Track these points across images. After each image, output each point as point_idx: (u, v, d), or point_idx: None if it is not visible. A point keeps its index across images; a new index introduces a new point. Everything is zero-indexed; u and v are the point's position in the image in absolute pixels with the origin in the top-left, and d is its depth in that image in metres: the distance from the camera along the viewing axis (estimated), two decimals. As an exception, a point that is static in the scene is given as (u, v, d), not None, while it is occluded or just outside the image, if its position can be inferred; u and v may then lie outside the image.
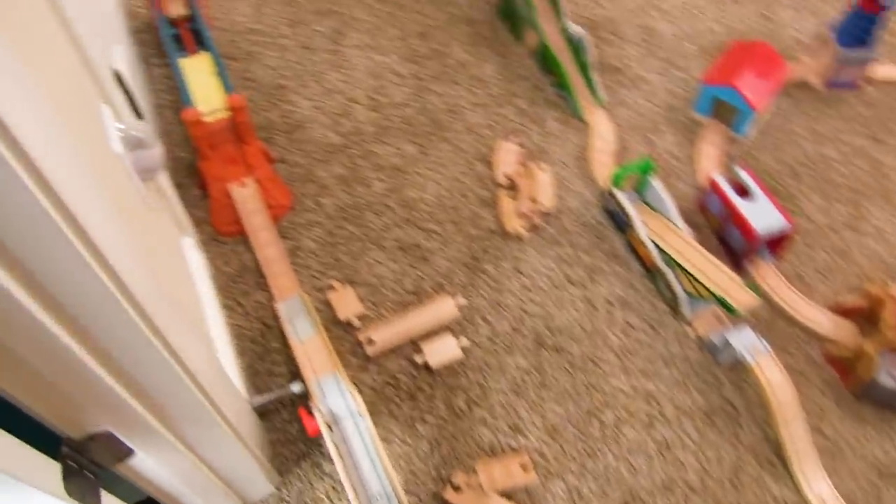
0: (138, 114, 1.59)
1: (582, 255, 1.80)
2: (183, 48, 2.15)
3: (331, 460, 1.44)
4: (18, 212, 0.63)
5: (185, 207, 1.89)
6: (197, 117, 1.79)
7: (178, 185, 1.95)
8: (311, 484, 1.46)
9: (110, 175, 1.13)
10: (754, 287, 1.71)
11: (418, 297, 1.73)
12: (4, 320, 0.68)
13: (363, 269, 1.77)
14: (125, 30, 2.19)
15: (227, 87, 1.93)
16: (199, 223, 1.87)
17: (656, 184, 1.79)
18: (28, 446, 0.78)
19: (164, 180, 1.62)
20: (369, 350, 1.62)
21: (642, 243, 1.73)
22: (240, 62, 2.24)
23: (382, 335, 1.64)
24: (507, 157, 1.96)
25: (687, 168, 1.99)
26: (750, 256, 1.76)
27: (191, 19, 2.19)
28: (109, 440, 0.95)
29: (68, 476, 0.81)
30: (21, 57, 0.68)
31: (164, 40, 2.11)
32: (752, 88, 1.99)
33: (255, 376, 1.62)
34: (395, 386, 1.59)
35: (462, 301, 1.71)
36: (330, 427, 1.42)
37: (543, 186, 1.89)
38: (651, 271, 1.75)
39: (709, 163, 1.98)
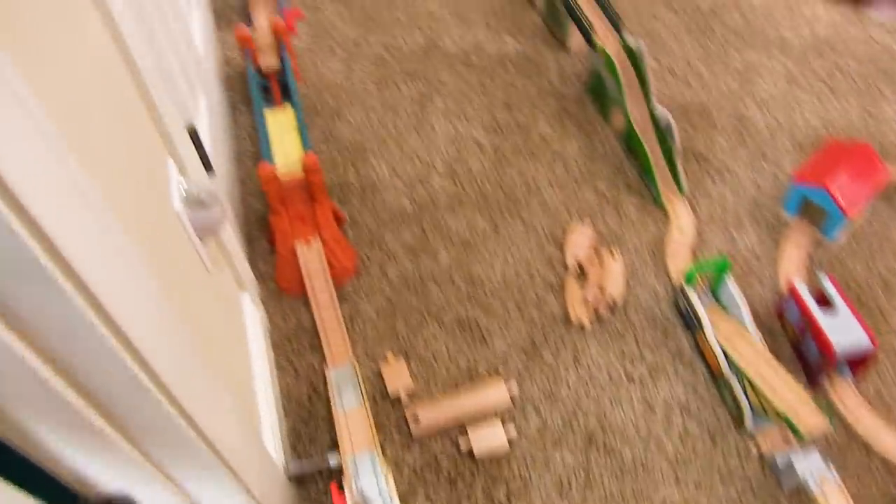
0: (209, 168, 1.60)
1: (645, 352, 1.72)
2: (270, 99, 2.17)
3: (358, 543, 1.40)
4: (53, 312, 0.63)
5: (253, 260, 1.90)
6: (272, 173, 1.79)
7: (249, 237, 1.96)
8: (336, 565, 1.42)
9: (165, 236, 1.12)
10: (828, 407, 1.61)
11: (471, 377, 1.68)
12: (37, 407, 0.68)
13: (419, 343, 1.74)
14: (216, 77, 2.23)
15: (306, 144, 1.94)
16: (264, 277, 1.88)
17: (731, 285, 1.71)
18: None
19: (230, 234, 1.62)
20: (414, 429, 1.58)
21: (710, 347, 1.64)
22: (324, 117, 2.25)
23: (429, 415, 1.60)
24: (579, 241, 1.90)
25: (768, 269, 1.89)
26: (827, 373, 1.66)
27: (281, 72, 2.22)
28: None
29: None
30: (76, 129, 0.68)
31: (252, 91, 2.14)
32: (845, 191, 1.89)
33: (298, 440, 1.59)
34: (436, 469, 1.54)
35: (515, 388, 1.65)
36: (359, 509, 1.38)
37: (613, 275, 1.83)
38: (717, 377, 1.67)
39: (792, 266, 1.89)
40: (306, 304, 1.80)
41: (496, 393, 1.64)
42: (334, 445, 1.56)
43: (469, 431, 1.57)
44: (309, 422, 1.62)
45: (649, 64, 2.25)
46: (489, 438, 1.57)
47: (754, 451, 1.58)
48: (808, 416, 1.50)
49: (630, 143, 2.10)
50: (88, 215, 0.71)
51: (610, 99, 2.16)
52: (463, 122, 2.22)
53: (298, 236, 1.83)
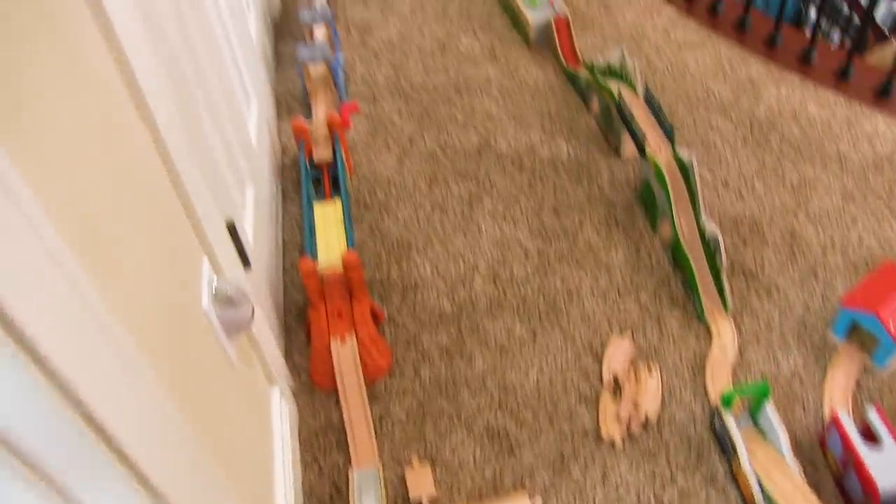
0: (246, 262, 1.62)
1: (677, 476, 1.67)
2: (321, 191, 2.21)
3: None
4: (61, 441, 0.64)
5: (289, 351, 1.91)
6: (312, 268, 1.82)
7: (287, 327, 1.98)
8: None
9: (189, 337, 1.13)
10: (867, 549, 1.53)
11: (496, 489, 1.65)
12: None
13: (446, 449, 1.71)
14: (269, 165, 2.28)
15: (350, 240, 1.96)
16: (298, 369, 1.88)
17: (771, 411, 1.65)
18: None
19: (262, 328, 1.64)
20: (432, 540, 1.55)
21: (745, 475, 1.59)
22: (373, 212, 2.28)
23: (449, 526, 1.57)
24: (617, 354, 1.87)
25: (813, 395, 1.83)
26: (869, 512, 1.58)
27: (333, 165, 2.26)
28: None
29: None
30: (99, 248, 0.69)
31: (302, 183, 2.18)
32: (898, 319, 1.83)
33: (315, 542, 1.57)
34: (452, 585, 1.51)
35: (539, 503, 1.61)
36: None
37: (649, 392, 1.79)
38: (751, 507, 1.60)
39: (837, 393, 1.82)
40: (338, 399, 1.79)
41: (519, 508, 1.60)
42: (351, 551, 1.53)
43: (488, 547, 1.54)
44: (329, 523, 1.60)
45: (703, 175, 2.25)
46: (509, 556, 1.53)
47: (786, 591, 1.51)
48: (842, 560, 1.43)
49: (676, 255, 2.08)
50: (95, 330, 0.71)
51: (659, 209, 2.15)
52: (510, 225, 2.22)
53: (334, 333, 1.84)
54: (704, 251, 2.01)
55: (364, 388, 1.78)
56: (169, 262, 1.13)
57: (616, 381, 1.83)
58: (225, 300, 1.34)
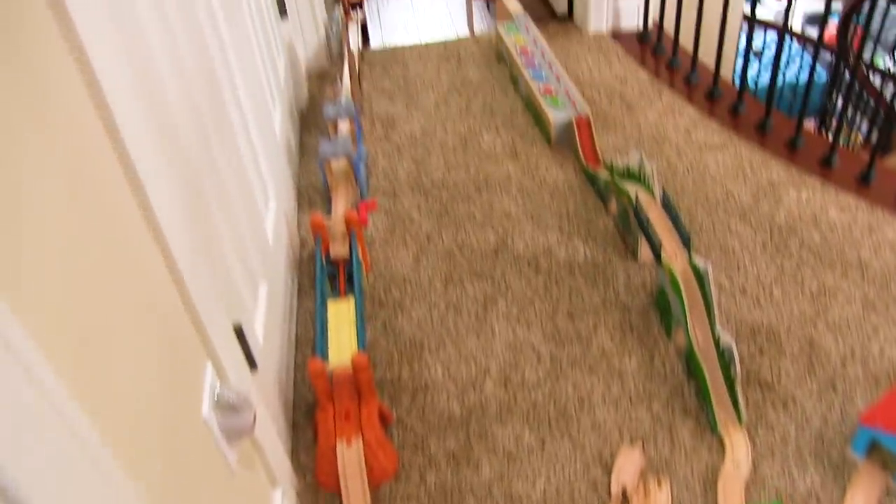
0: (252, 365, 1.62)
1: None
2: (336, 287, 2.22)
3: None
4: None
5: (295, 450, 1.90)
6: (321, 369, 1.81)
7: (295, 425, 1.97)
8: None
9: (186, 445, 1.13)
10: None
11: None
12: None
13: (449, 560, 1.68)
14: (286, 259, 2.30)
15: (361, 341, 1.96)
16: (304, 469, 1.87)
17: (784, 534, 1.61)
18: None
19: (266, 430, 1.63)
20: None
21: None
22: (388, 310, 2.28)
23: None
24: (626, 465, 1.84)
25: (830, 515, 1.78)
26: None
27: (349, 262, 2.27)
28: None
29: None
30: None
31: (317, 280, 2.19)
32: (919, 439, 1.79)
33: None
34: None
35: None
36: None
37: (659, 507, 1.75)
38: None
39: (856, 515, 1.77)
40: (341, 502, 1.77)
41: None
42: None
43: None
44: None
45: (720, 281, 2.23)
46: None
47: None
48: None
49: (690, 364, 2.05)
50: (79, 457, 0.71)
51: (674, 316, 2.13)
52: (523, 328, 2.21)
53: (341, 435, 1.82)
54: (719, 361, 1.98)
55: (368, 492, 1.76)
56: (169, 371, 1.13)
57: (625, 493, 1.79)
58: (227, 407, 1.34)
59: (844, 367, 2.11)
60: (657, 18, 3.76)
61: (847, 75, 4.19)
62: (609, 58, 3.70)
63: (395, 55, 3.93)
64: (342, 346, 1.96)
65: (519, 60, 3.39)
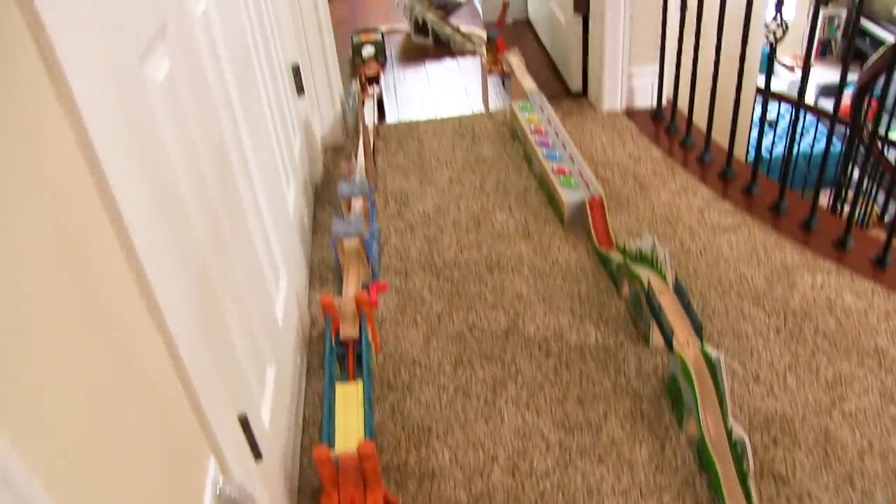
0: (257, 455, 1.60)
1: None
2: (345, 368, 2.21)
3: None
4: None
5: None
6: (326, 456, 1.79)
7: (300, 511, 1.94)
8: None
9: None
10: None
11: None
12: None
13: None
14: (295, 339, 2.29)
15: (368, 428, 1.94)
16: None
17: None
18: None
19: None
20: None
21: None
22: (396, 392, 2.26)
23: None
24: (636, 562, 1.79)
25: None
26: None
27: (359, 343, 2.26)
28: None
29: None
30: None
31: (326, 361, 2.18)
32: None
33: None
34: None
35: None
36: None
37: None
38: None
39: None
40: None
41: None
42: None
43: None
44: None
45: (733, 368, 2.20)
46: None
47: None
48: None
49: (702, 455, 2.02)
50: None
51: (685, 406, 2.10)
52: (533, 415, 2.19)
53: (345, 524, 1.80)
54: (732, 454, 1.94)
55: (371, 586, 1.73)
56: (170, 469, 1.12)
57: (635, 593, 1.75)
58: (229, 500, 1.33)
59: (862, 460, 2.07)
60: (671, 97, 3.79)
61: (862, 149, 4.19)
62: (623, 136, 3.72)
63: (410, 130, 3.97)
64: (349, 430, 1.94)
65: (533, 139, 3.42)
